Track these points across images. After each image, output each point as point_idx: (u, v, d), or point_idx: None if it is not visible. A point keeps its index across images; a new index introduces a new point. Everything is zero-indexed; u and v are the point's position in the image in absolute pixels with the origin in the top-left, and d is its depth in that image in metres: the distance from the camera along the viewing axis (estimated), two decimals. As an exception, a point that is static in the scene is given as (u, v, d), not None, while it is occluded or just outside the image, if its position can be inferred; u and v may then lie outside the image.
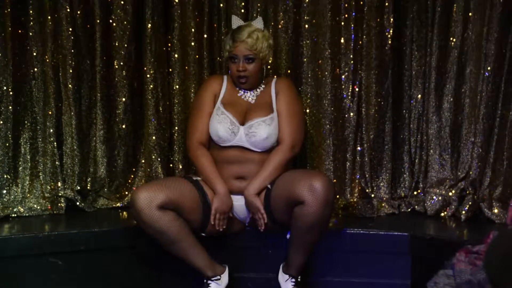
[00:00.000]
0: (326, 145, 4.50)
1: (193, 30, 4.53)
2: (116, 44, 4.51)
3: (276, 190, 3.68)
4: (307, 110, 4.46)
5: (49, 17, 4.39)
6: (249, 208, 3.73)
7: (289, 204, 3.57)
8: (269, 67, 4.15)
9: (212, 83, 3.90)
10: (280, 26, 4.44)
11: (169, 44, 4.57)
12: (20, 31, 4.37)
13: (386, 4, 4.43)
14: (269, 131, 3.71)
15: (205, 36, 4.54)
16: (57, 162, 4.46)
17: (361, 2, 4.44)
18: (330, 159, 4.52)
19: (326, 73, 4.46)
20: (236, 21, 3.75)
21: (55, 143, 4.46)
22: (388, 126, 4.56)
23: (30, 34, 4.38)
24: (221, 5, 4.51)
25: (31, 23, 4.37)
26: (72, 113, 4.47)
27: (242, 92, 3.85)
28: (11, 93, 4.35)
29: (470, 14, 4.36)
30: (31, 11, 4.36)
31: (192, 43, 4.54)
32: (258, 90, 3.83)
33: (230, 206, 3.74)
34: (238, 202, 3.80)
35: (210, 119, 3.79)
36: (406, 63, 4.54)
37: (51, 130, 4.46)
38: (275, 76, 3.95)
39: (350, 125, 4.54)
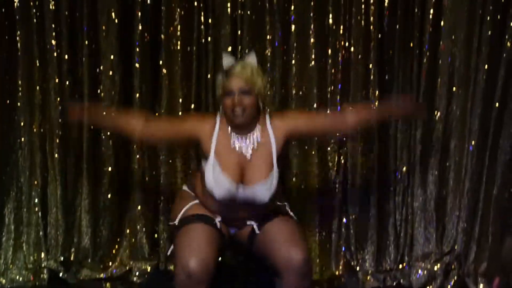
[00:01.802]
0: (311, 216, 4.51)
1: (180, 100, 4.56)
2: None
3: (260, 243, 3.63)
4: (294, 179, 4.49)
5: (37, 88, 4.42)
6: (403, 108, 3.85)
7: (269, 261, 3.58)
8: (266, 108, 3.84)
9: (205, 124, 3.62)
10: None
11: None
12: (8, 101, 4.39)
13: (371, 77, 4.47)
14: (268, 194, 3.56)
15: (192, 106, 4.57)
16: (41, 233, 4.44)
17: (347, 74, 4.49)
18: (315, 230, 4.52)
19: (313, 145, 4.51)
20: (227, 59, 3.57)
21: (39, 213, 4.44)
22: (373, 198, 4.56)
23: (18, 104, 4.40)
24: (208, 76, 4.56)
25: (20, 93, 4.40)
26: (58, 183, 4.47)
27: (236, 141, 3.56)
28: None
29: (454, 88, 4.41)
30: (20, 81, 4.39)
31: (179, 113, 4.57)
32: (252, 137, 3.56)
33: None
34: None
35: (203, 166, 3.62)
36: (391, 136, 4.57)
37: (36, 200, 4.44)
38: (266, 114, 3.62)
39: (336, 196, 4.54)
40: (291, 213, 3.78)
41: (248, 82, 3.48)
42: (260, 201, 3.55)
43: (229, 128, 3.56)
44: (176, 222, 3.63)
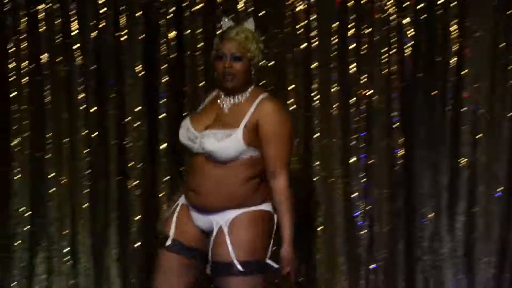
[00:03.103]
0: (339, 262, 4.52)
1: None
2: (130, 164, 4.61)
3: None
4: (319, 228, 4.50)
5: (65, 140, 4.54)
6: (283, 259, 3.33)
7: None
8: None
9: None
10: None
11: (184, 164, 4.65)
12: (37, 154, 4.52)
13: (396, 126, 4.46)
14: (216, 146, 3.29)
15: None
16: (71, 281, 4.55)
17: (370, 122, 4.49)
18: (344, 277, 4.53)
19: (339, 190, 4.52)
20: (226, 23, 3.44)
21: (70, 263, 4.55)
22: (401, 244, 4.54)
23: (47, 157, 4.53)
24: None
25: (48, 146, 4.52)
26: (86, 232, 4.57)
27: (222, 97, 3.41)
28: (28, 213, 4.49)
29: (478, 136, 4.38)
30: (48, 134, 4.52)
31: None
32: (238, 98, 3.39)
33: None
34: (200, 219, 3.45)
35: None
36: (417, 182, 4.54)
37: (66, 250, 4.56)
38: (265, 93, 3.39)
39: (363, 243, 4.54)
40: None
41: (240, 47, 3.33)
42: (206, 150, 3.29)
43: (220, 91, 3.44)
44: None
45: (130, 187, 4.63)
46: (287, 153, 3.33)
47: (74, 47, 4.51)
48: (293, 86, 4.54)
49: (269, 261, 3.31)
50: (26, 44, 4.48)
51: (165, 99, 4.56)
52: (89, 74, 4.54)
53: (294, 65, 4.52)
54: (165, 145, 4.60)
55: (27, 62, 4.51)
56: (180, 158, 4.62)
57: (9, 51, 4.47)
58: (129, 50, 4.53)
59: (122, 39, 4.52)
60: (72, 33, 4.50)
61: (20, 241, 4.53)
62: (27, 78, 4.52)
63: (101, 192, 4.62)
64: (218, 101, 3.40)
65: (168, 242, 3.39)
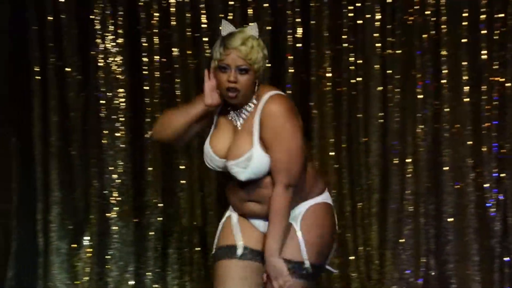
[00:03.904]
0: (470, 253, 4.41)
1: (331, 140, 4.62)
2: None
3: None
4: (449, 220, 4.41)
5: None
6: (269, 272, 3.00)
7: None
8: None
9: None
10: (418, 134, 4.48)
11: (308, 154, 4.65)
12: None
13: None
14: (247, 174, 3.01)
15: (344, 145, 4.61)
16: (202, 271, 4.65)
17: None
18: (475, 269, 4.42)
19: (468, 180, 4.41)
20: (226, 27, 3.07)
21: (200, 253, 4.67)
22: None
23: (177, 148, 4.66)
24: (359, 115, 4.59)
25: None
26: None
27: (232, 113, 3.09)
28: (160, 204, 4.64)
29: None
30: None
31: (331, 153, 4.62)
32: (247, 110, 3.06)
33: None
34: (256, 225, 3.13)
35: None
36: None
37: (195, 240, 4.67)
38: (270, 91, 3.04)
39: (495, 235, 4.41)
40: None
41: (247, 58, 2.98)
42: (240, 179, 2.99)
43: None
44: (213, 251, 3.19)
45: (257, 178, 4.68)
46: (289, 158, 2.94)
47: (204, 40, 4.61)
48: (419, 75, 4.47)
49: (329, 267, 3.06)
50: (158, 38, 4.62)
51: (290, 91, 4.60)
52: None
53: (422, 52, 4.45)
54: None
55: (158, 56, 4.65)
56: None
57: (143, 45, 4.62)
58: (256, 41, 4.59)
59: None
60: (202, 26, 4.61)
61: (153, 232, 4.66)
62: (158, 72, 4.65)
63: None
64: (229, 116, 3.06)
65: (240, 251, 3.06)
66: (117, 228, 4.63)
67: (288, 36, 4.57)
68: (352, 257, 4.61)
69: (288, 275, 2.94)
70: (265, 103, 3.00)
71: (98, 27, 4.59)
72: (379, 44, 4.51)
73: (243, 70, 2.98)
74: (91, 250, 4.65)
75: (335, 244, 3.07)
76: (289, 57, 4.58)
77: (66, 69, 4.59)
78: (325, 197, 3.07)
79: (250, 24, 3.04)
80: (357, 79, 4.55)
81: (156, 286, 4.65)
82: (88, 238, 4.65)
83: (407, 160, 4.54)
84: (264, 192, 3.00)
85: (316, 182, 3.05)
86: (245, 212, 3.07)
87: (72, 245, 4.66)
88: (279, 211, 2.97)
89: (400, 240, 4.56)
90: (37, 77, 4.57)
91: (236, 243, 3.06)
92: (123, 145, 4.63)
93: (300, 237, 2.98)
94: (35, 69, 4.57)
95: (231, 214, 3.10)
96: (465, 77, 4.40)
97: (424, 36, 4.46)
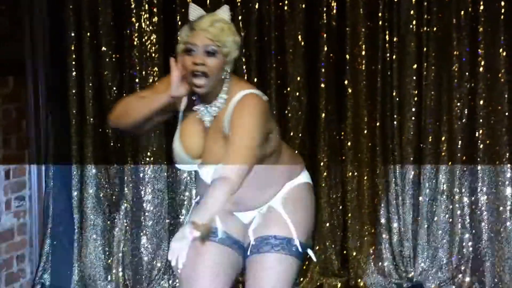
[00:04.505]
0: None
1: (365, 118, 4.59)
2: (291, 134, 4.66)
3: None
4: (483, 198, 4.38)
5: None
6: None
7: None
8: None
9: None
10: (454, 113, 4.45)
11: (342, 133, 4.65)
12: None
13: None
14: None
15: (378, 124, 4.59)
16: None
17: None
18: None
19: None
20: (194, 11, 2.81)
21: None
22: None
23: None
24: (393, 93, 4.55)
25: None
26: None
27: (200, 107, 2.85)
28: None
29: None
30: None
31: (365, 131, 4.60)
32: (216, 106, 2.81)
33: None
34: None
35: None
36: None
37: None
38: (244, 89, 2.80)
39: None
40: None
41: (215, 39, 2.73)
42: None
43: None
44: None
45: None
46: (236, 155, 2.68)
47: (238, 18, 4.60)
48: (456, 52, 4.43)
49: (310, 252, 2.98)
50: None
51: (323, 69, 4.57)
52: (251, 44, 4.62)
53: (458, 29, 4.40)
54: (323, 115, 4.61)
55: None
56: (341, 128, 4.63)
57: (178, 23, 4.61)
58: (291, 19, 4.57)
59: (284, 8, 4.57)
60: (237, 3, 4.59)
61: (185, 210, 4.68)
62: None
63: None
64: (197, 111, 2.82)
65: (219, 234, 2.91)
66: (151, 204, 4.67)
67: (323, 14, 4.55)
68: (384, 235, 4.60)
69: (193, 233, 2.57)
70: (236, 104, 2.76)
71: (133, 5, 4.61)
72: (415, 22, 4.47)
73: (211, 52, 2.74)
74: (125, 226, 4.69)
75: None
76: (323, 35, 4.56)
77: (102, 48, 4.62)
78: (305, 176, 2.97)
79: (222, 8, 2.81)
80: (392, 57, 4.52)
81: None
82: (123, 214, 4.70)
83: (442, 139, 4.51)
84: (239, 191, 2.73)
85: (294, 163, 2.93)
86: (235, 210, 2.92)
87: (107, 222, 4.71)
88: (226, 188, 2.67)
89: (434, 218, 4.54)
90: (73, 56, 4.61)
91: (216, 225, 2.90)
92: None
93: (284, 215, 2.87)
94: (71, 48, 4.60)
95: None
96: (503, 54, 4.34)
97: (461, 12, 4.41)
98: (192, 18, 2.79)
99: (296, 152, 3.08)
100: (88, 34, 4.60)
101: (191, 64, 2.73)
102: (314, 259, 3.02)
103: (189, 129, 2.84)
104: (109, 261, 4.69)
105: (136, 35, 4.60)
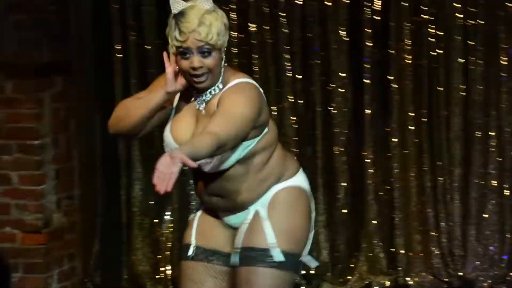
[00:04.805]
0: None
1: (411, 114, 4.53)
2: (337, 130, 4.62)
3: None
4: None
5: (273, 108, 4.65)
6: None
7: None
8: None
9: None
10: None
11: (388, 129, 4.60)
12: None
13: None
14: (214, 167, 2.71)
15: (424, 119, 4.52)
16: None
17: None
18: None
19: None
20: (176, 3, 2.67)
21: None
22: None
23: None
24: (439, 88, 4.47)
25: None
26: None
27: (196, 96, 2.77)
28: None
29: None
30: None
31: (412, 127, 4.54)
32: (211, 93, 2.73)
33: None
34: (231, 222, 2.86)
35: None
36: None
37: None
38: (239, 78, 2.72)
39: None
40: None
41: (208, 39, 2.63)
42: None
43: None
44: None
45: (336, 153, 4.64)
46: (237, 111, 2.58)
47: (281, 14, 4.59)
48: (503, 45, 4.35)
49: (308, 258, 2.80)
50: (235, 14, 4.63)
51: (369, 65, 4.53)
52: (295, 41, 4.60)
53: (505, 22, 4.31)
54: (369, 111, 4.57)
55: (236, 33, 4.66)
56: (385, 122, 4.59)
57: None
58: (334, 15, 4.54)
59: (327, 3, 4.54)
60: (279, 1, 4.58)
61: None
62: (236, 48, 4.67)
63: (308, 158, 4.68)
64: (192, 100, 2.76)
65: (190, 251, 2.82)
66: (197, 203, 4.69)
67: (366, 9, 4.51)
68: (433, 233, 4.53)
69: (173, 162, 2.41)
70: (228, 87, 2.69)
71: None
72: (461, 15, 4.40)
73: (205, 52, 2.65)
74: (172, 225, 4.73)
75: (312, 233, 2.81)
76: (367, 30, 4.52)
77: (146, 46, 4.67)
78: (297, 180, 2.80)
79: None
80: (438, 51, 4.45)
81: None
82: (169, 213, 4.73)
83: (490, 133, 4.42)
84: (227, 186, 2.73)
85: (285, 165, 2.78)
86: (211, 207, 2.83)
87: (154, 220, 4.75)
88: (212, 141, 2.51)
89: (484, 215, 4.45)
90: (118, 55, 4.67)
91: (190, 242, 2.83)
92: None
93: (266, 222, 2.72)
94: (116, 47, 4.66)
95: (200, 210, 2.88)
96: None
97: (507, 4, 4.31)
98: (175, 11, 2.66)
99: (295, 158, 2.93)
100: (133, 32, 4.65)
101: (190, 68, 2.66)
102: (312, 266, 2.87)
103: (182, 117, 2.77)
104: (157, 259, 4.73)
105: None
